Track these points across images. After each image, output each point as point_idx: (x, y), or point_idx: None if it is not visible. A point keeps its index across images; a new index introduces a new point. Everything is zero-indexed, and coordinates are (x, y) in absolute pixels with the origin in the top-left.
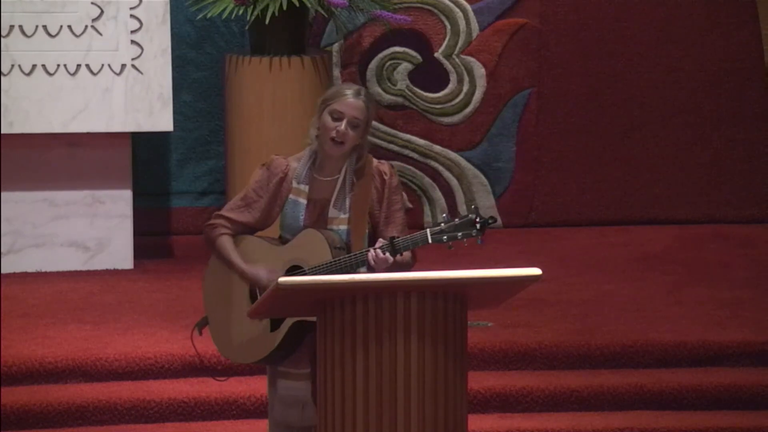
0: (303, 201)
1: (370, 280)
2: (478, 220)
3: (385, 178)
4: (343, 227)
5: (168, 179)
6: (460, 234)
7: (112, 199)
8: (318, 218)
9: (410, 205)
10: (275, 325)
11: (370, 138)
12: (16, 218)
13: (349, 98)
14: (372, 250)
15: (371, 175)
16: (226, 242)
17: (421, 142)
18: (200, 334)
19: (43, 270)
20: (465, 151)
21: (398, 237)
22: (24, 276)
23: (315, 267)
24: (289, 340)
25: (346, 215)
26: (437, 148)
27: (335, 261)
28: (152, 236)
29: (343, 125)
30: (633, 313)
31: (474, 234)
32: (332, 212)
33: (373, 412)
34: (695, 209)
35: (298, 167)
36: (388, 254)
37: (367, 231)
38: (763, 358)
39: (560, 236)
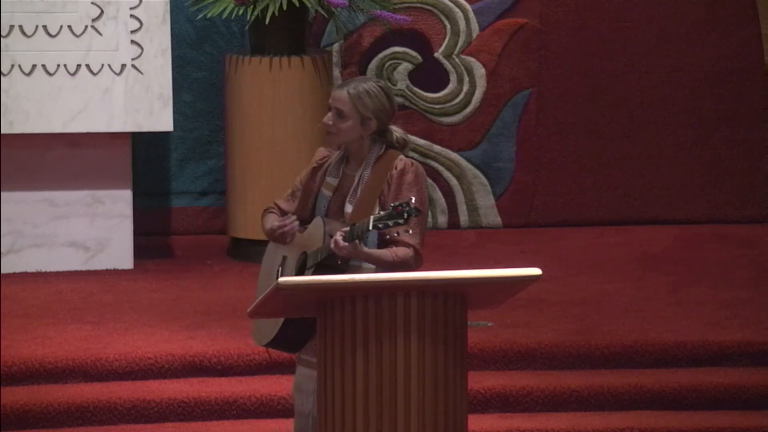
0: (329, 194)
1: (370, 280)
2: (403, 208)
3: (394, 172)
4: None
5: (168, 179)
6: (391, 222)
7: (112, 199)
8: (338, 211)
9: None
10: None
11: None
12: (16, 218)
13: (334, 90)
14: (336, 236)
15: (387, 169)
16: (268, 216)
17: (421, 142)
18: None
19: (43, 270)
20: (465, 151)
21: (356, 224)
22: (24, 276)
23: (312, 252)
24: (289, 326)
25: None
26: (437, 148)
27: (321, 247)
28: (152, 236)
29: (328, 115)
30: (633, 313)
31: (401, 223)
32: (347, 207)
33: (373, 412)
34: (695, 209)
35: (332, 160)
36: (345, 240)
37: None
38: (763, 358)
39: (560, 236)
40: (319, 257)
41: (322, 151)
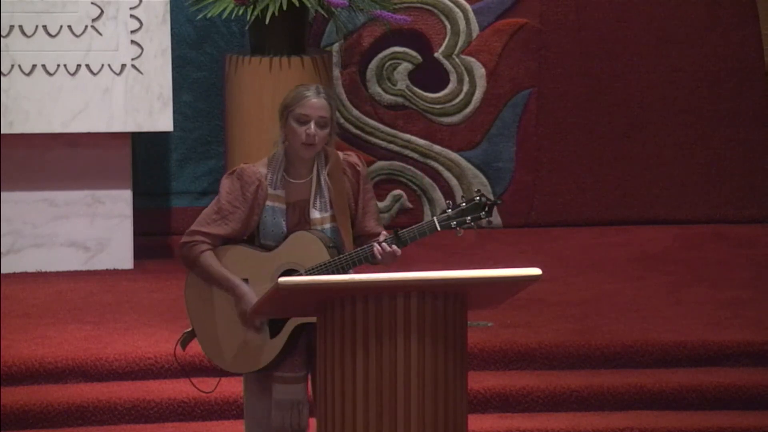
0: (282, 206)
1: (370, 280)
2: (487, 201)
3: (358, 169)
4: (327, 226)
5: (168, 179)
6: (468, 218)
7: (112, 199)
8: (299, 221)
9: (410, 205)
10: (274, 331)
11: (372, 138)
12: (16, 218)
13: (311, 99)
14: (377, 245)
15: (342, 168)
16: (209, 258)
17: (421, 142)
18: (183, 349)
19: (43, 270)
20: (465, 151)
21: (402, 229)
22: (24, 276)
23: (313, 268)
24: (291, 343)
25: (329, 213)
26: (437, 148)
27: (336, 260)
28: (152, 236)
29: (311, 127)
30: (633, 313)
31: (483, 216)
32: (313, 213)
33: (373, 412)
34: (695, 209)
35: (269, 173)
36: (395, 246)
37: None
38: (763, 358)
39: (560, 236)
40: (327, 269)
41: (251, 169)
